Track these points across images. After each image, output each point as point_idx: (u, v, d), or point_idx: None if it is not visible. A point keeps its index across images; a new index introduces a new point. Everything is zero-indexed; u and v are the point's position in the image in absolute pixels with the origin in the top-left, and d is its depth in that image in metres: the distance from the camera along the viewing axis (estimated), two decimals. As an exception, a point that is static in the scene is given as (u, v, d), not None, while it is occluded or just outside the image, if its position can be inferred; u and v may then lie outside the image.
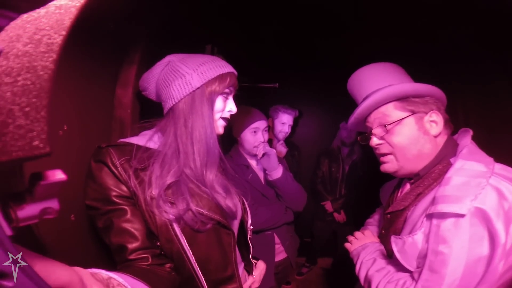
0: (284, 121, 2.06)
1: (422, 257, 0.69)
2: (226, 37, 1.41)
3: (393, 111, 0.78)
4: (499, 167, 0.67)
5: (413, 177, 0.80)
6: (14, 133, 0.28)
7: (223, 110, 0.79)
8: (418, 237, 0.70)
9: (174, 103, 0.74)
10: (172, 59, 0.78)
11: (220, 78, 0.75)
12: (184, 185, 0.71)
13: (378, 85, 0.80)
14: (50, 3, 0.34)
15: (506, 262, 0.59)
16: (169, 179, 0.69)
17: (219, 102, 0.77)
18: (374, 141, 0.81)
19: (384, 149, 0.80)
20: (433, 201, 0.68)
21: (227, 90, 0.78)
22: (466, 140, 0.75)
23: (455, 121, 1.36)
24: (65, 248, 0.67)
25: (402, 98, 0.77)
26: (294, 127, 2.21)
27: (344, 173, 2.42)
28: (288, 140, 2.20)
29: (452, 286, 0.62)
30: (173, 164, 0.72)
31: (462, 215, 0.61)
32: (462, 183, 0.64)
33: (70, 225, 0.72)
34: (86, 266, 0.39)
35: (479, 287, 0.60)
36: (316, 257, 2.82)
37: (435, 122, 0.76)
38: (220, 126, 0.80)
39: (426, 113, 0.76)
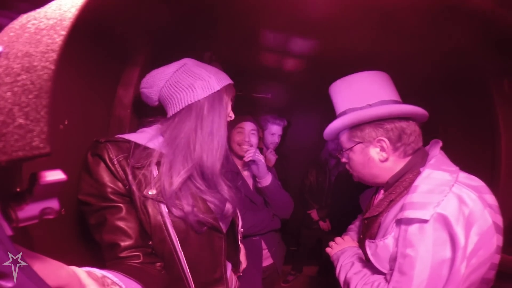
0: (273, 132, 2.12)
1: (393, 260, 0.72)
2: (223, 46, 1.43)
3: (345, 139, 0.87)
4: (463, 176, 0.71)
5: (384, 185, 0.85)
6: (14, 133, 0.28)
7: (228, 115, 0.85)
8: (389, 241, 0.74)
9: (194, 100, 0.77)
10: (188, 62, 0.82)
11: (229, 86, 0.84)
12: (187, 186, 0.72)
13: (343, 107, 0.87)
14: (50, 3, 0.34)
15: (469, 265, 0.62)
16: (181, 177, 0.71)
17: (228, 107, 0.84)
18: (343, 160, 0.92)
19: (348, 166, 0.92)
20: (402, 208, 0.71)
21: (231, 98, 0.85)
22: (435, 151, 0.79)
23: (435, 133, 1.46)
24: (52, 242, 0.66)
25: (355, 126, 0.83)
26: (283, 137, 2.28)
27: (331, 183, 2.50)
28: (277, 151, 2.25)
29: (420, 287, 0.65)
30: (182, 162, 0.73)
31: (426, 221, 0.65)
32: (427, 190, 0.68)
33: (60, 219, 0.71)
34: (73, 262, 0.39)
35: None
36: (301, 265, 2.87)
37: (381, 148, 0.80)
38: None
39: (374, 139, 0.80)
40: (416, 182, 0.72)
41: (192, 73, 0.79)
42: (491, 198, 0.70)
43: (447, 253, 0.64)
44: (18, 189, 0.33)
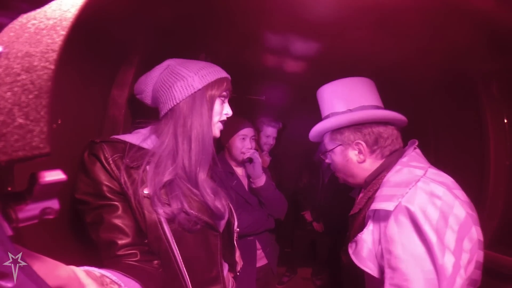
0: (269, 134, 2.13)
1: (375, 257, 0.73)
2: (218, 47, 1.44)
3: (328, 141, 0.93)
4: (433, 172, 0.74)
5: (363, 184, 0.89)
6: (14, 133, 0.28)
7: (221, 112, 0.82)
8: (365, 236, 0.76)
9: (175, 103, 0.75)
10: (171, 63, 0.80)
11: (219, 81, 0.79)
12: (178, 185, 0.72)
13: (327, 111, 0.93)
14: (50, 3, 0.34)
15: (460, 257, 0.62)
16: (165, 178, 0.70)
17: (217, 105, 0.80)
18: (326, 160, 0.97)
19: (332, 167, 0.97)
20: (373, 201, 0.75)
21: (224, 93, 0.81)
22: (409, 150, 0.83)
23: (425, 135, 1.50)
24: (51, 242, 0.66)
25: (336, 129, 0.89)
26: (278, 140, 2.29)
27: (324, 184, 2.52)
28: (271, 152, 2.27)
29: (422, 281, 0.63)
30: (169, 164, 0.73)
31: (391, 212, 0.68)
32: (395, 184, 0.72)
33: (57, 219, 0.70)
34: (71, 261, 0.38)
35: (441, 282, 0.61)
36: (296, 266, 2.90)
37: (359, 151, 0.86)
38: (217, 129, 0.83)
39: (353, 142, 0.86)
40: (386, 177, 0.77)
41: (174, 74, 0.77)
42: (460, 194, 0.71)
43: (419, 245, 0.64)
44: (9, 188, 0.33)
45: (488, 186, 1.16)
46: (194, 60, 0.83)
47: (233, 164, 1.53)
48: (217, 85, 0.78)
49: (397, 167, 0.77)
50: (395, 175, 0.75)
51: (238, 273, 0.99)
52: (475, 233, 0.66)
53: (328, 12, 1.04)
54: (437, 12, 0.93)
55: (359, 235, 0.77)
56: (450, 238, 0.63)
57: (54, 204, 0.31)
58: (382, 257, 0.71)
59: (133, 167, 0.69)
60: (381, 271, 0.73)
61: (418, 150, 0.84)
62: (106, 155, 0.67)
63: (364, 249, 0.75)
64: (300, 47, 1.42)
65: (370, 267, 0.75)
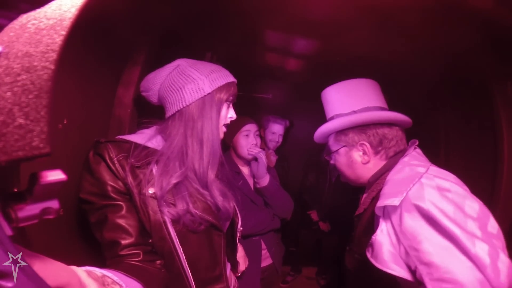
0: (274, 131, 2.10)
1: (396, 256, 0.71)
2: (225, 45, 1.43)
3: (332, 142, 0.94)
4: (434, 169, 0.74)
5: (367, 185, 0.89)
6: (14, 133, 0.28)
7: (226, 116, 0.83)
8: (380, 237, 0.74)
9: (184, 105, 0.76)
10: (181, 63, 0.80)
11: (227, 86, 0.80)
12: (185, 186, 0.72)
13: (331, 112, 0.94)
14: (50, 3, 0.34)
15: (490, 244, 0.58)
16: (174, 180, 0.70)
17: (224, 109, 0.81)
18: (330, 161, 0.98)
19: (337, 167, 0.97)
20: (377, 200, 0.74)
21: (231, 98, 0.82)
22: (410, 149, 0.83)
23: (437, 137, 1.47)
24: (52, 243, 0.66)
25: (340, 130, 0.90)
26: (285, 138, 2.25)
27: (331, 183, 2.49)
28: (278, 152, 2.24)
29: (463, 269, 0.59)
30: (177, 165, 0.73)
31: (408, 210, 0.66)
32: (398, 181, 0.73)
33: (59, 219, 0.71)
34: (73, 262, 0.39)
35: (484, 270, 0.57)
36: (300, 266, 2.88)
37: (363, 152, 0.86)
38: (222, 132, 0.83)
39: (357, 143, 0.86)
40: (389, 176, 0.77)
41: (184, 75, 0.77)
42: (465, 189, 0.70)
43: (443, 240, 0.62)
44: (16, 189, 0.33)
45: (501, 187, 1.12)
46: (203, 61, 0.83)
47: (239, 163, 1.52)
48: (225, 89, 0.79)
49: (398, 166, 0.77)
50: (397, 174, 0.75)
51: (239, 274, 0.99)
52: (494, 223, 0.64)
53: (332, 12, 1.03)
54: (439, 11, 0.91)
55: (372, 237, 0.74)
56: (473, 227, 0.60)
57: (54, 204, 0.31)
58: (408, 255, 0.68)
59: (138, 166, 0.70)
60: (410, 271, 0.70)
61: (418, 150, 0.84)
62: (111, 155, 0.67)
63: (384, 251, 0.72)
64: (303, 47, 1.40)
65: (394, 269, 0.71)
